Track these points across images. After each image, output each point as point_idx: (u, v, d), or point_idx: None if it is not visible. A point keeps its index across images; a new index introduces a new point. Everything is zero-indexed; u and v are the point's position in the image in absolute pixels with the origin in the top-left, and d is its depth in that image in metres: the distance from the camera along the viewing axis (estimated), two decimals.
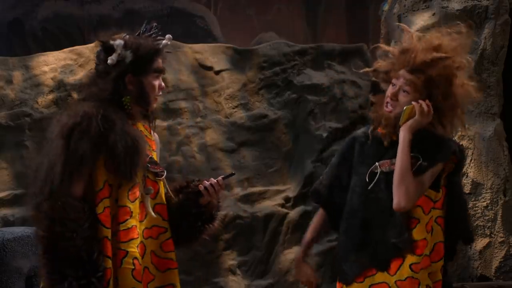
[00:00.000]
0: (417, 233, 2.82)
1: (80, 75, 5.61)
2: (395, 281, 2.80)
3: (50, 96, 5.58)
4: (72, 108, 2.79)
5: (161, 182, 2.84)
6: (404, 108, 2.82)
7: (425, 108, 2.80)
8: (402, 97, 2.88)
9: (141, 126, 2.84)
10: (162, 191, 2.85)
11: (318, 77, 5.94)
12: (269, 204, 5.67)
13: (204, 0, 11.53)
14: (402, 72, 2.90)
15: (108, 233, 2.69)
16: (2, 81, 5.57)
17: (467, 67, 2.95)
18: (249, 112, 5.82)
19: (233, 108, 5.83)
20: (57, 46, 6.91)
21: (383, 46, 3.08)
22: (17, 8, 10.72)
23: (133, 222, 2.72)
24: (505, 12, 5.33)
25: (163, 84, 2.83)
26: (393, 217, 2.82)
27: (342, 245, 2.94)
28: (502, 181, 5.17)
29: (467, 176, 5.16)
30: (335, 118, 5.84)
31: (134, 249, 2.70)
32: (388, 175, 2.85)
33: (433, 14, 5.28)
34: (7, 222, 5.24)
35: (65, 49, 5.78)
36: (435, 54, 2.88)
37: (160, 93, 2.83)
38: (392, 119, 2.88)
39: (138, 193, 2.75)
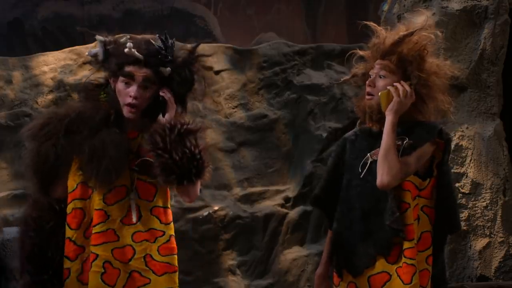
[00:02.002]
0: (408, 217, 2.85)
1: (80, 75, 5.61)
2: (396, 269, 2.83)
3: (50, 96, 5.58)
4: (53, 109, 2.84)
5: (162, 186, 2.80)
6: (379, 94, 2.88)
7: (401, 88, 2.86)
8: (379, 83, 2.96)
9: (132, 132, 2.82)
10: (164, 194, 2.83)
11: (317, 77, 5.94)
12: (269, 204, 5.67)
13: (204, 0, 11.53)
14: (376, 62, 2.98)
15: (71, 234, 2.74)
16: (2, 81, 5.57)
17: (435, 40, 3.01)
18: (248, 112, 5.82)
19: (233, 108, 5.83)
20: (57, 46, 6.90)
21: (357, 51, 3.13)
22: (17, 8, 10.72)
23: (108, 225, 2.72)
24: (505, 12, 5.32)
25: (132, 92, 2.74)
26: (388, 202, 2.85)
27: (346, 239, 2.97)
28: (502, 181, 5.16)
29: (466, 176, 5.15)
30: (334, 118, 5.85)
31: (107, 252, 2.70)
32: None
33: (433, 14, 5.28)
34: (6, 222, 5.24)
35: (65, 49, 5.78)
36: (402, 33, 2.96)
37: (131, 101, 2.74)
38: (374, 106, 2.93)
39: (121, 196, 2.75)
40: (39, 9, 10.81)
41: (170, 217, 2.83)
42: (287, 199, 5.71)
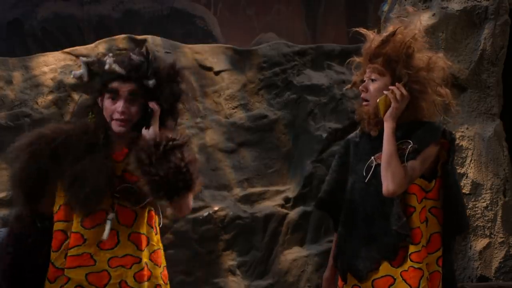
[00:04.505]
0: (414, 221, 2.84)
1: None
2: (400, 272, 2.82)
3: (50, 97, 5.57)
4: (42, 129, 2.83)
5: (142, 212, 2.81)
6: (378, 100, 2.88)
7: (397, 91, 2.86)
8: (371, 86, 2.96)
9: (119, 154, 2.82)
10: (142, 220, 2.82)
11: (317, 78, 5.94)
12: (269, 205, 5.67)
13: (204, 0, 11.52)
14: (367, 66, 3.00)
15: (52, 256, 2.74)
16: (2, 82, 5.57)
17: (419, 34, 2.99)
18: (249, 113, 5.82)
19: (233, 109, 5.82)
20: (57, 46, 6.90)
21: (355, 58, 3.13)
22: (17, 8, 10.71)
23: (84, 249, 2.72)
24: (505, 13, 5.33)
25: (120, 108, 2.74)
26: (393, 206, 2.84)
27: (350, 243, 2.96)
28: (502, 181, 5.17)
29: (467, 176, 5.15)
30: (334, 119, 5.84)
31: (80, 276, 2.70)
32: None
33: (433, 15, 5.28)
34: (6, 223, 5.23)
35: (64, 50, 5.78)
36: (384, 33, 2.98)
37: (119, 116, 2.75)
38: (370, 111, 2.93)
39: (100, 220, 2.74)
40: (38, 9, 10.81)
41: (144, 245, 2.81)
42: (287, 200, 5.71)
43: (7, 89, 5.57)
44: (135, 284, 2.75)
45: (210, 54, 5.88)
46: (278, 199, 5.70)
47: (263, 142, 5.80)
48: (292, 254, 5.60)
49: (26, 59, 5.74)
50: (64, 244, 2.74)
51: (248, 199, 5.68)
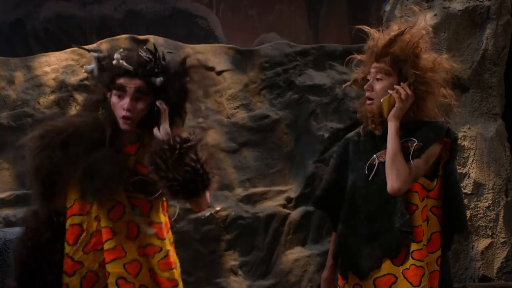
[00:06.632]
0: (416, 219, 2.85)
1: (82, 75, 5.61)
2: (402, 271, 2.82)
3: (52, 97, 5.58)
4: (53, 121, 2.83)
5: (157, 202, 2.82)
6: (381, 100, 2.88)
7: (402, 91, 2.87)
8: (377, 86, 2.96)
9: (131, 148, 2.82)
10: (158, 209, 2.84)
11: (319, 78, 5.94)
12: (271, 205, 5.67)
13: (206, 1, 11.52)
14: (372, 65, 2.98)
15: (68, 249, 2.75)
16: (4, 82, 5.58)
17: (428, 36, 3.00)
18: (250, 113, 5.82)
19: (235, 109, 5.82)
20: (59, 46, 6.90)
21: (356, 55, 3.13)
22: (19, 8, 10.71)
23: (116, 241, 2.74)
24: (507, 13, 5.33)
25: (126, 105, 2.73)
26: (396, 204, 2.84)
27: (352, 241, 2.96)
28: (504, 181, 5.16)
29: (469, 176, 5.15)
30: (336, 119, 5.84)
31: (118, 269, 2.73)
32: None
33: (435, 15, 5.28)
34: (9, 223, 5.24)
35: (66, 50, 5.78)
36: (392, 33, 2.97)
37: (125, 113, 2.74)
38: (375, 110, 2.93)
39: (120, 213, 2.75)
40: (41, 9, 10.80)
41: (165, 233, 2.84)
42: (289, 200, 5.71)
43: (9, 89, 5.58)
44: (161, 273, 2.77)
45: (212, 54, 5.88)
46: (280, 199, 5.71)
47: (265, 142, 5.81)
48: (294, 254, 5.60)
49: (28, 59, 5.74)
50: (81, 237, 2.76)
51: (250, 199, 5.68)
